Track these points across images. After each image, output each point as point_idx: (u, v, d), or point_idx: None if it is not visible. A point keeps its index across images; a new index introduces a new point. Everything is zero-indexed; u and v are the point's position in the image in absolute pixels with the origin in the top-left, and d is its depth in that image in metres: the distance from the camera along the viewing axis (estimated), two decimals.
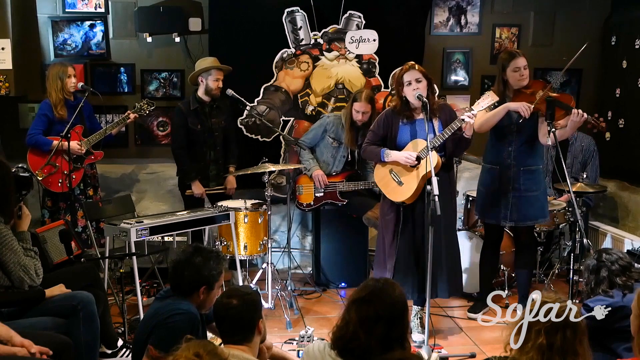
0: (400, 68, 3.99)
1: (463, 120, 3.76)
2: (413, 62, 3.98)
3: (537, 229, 4.93)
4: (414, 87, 3.86)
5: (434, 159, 3.70)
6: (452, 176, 4.23)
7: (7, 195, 3.15)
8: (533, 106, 4.05)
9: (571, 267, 4.32)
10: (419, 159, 3.88)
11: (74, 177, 4.70)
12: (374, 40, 5.43)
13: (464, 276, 4.93)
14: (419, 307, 4.22)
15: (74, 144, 4.60)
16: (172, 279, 2.89)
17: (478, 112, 3.83)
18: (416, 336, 4.09)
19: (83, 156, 4.71)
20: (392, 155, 3.98)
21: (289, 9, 5.35)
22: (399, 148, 4.01)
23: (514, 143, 4.19)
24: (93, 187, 4.96)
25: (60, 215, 4.74)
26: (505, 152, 4.23)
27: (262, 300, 4.53)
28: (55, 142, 4.61)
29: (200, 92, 4.87)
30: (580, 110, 4.02)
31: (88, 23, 5.39)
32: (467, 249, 4.92)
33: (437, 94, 5.43)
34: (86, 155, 4.72)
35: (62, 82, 4.69)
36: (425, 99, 3.81)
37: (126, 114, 4.86)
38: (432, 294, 3.95)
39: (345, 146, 4.99)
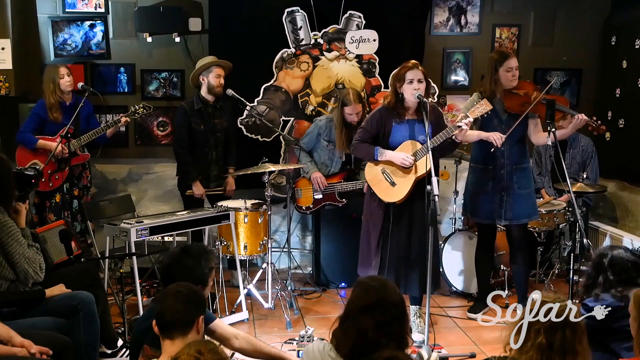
0: (402, 65, 3.98)
1: (460, 126, 3.80)
2: (417, 61, 3.99)
3: (537, 228, 4.94)
4: (415, 87, 3.86)
5: (429, 161, 3.71)
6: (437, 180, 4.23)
7: (7, 191, 3.17)
8: (528, 110, 4.11)
9: (571, 267, 4.32)
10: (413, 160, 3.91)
11: (57, 177, 4.73)
12: (374, 40, 5.43)
13: (462, 277, 4.95)
14: (417, 307, 4.23)
15: (56, 145, 4.63)
16: (165, 284, 2.87)
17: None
18: (416, 336, 4.09)
19: (68, 158, 4.68)
20: (386, 154, 3.97)
21: (289, 9, 5.35)
22: (391, 148, 4.00)
23: (506, 143, 4.20)
24: (83, 187, 4.96)
25: (45, 213, 4.79)
26: (499, 152, 4.24)
27: (262, 300, 4.57)
28: (40, 142, 4.70)
29: (204, 92, 4.87)
30: (582, 115, 4.11)
31: (88, 23, 5.39)
32: (467, 249, 4.92)
33: (436, 94, 5.50)
34: (71, 156, 4.71)
35: (55, 83, 4.72)
36: (425, 99, 3.81)
37: (119, 117, 4.88)
38: (405, 290, 4.05)
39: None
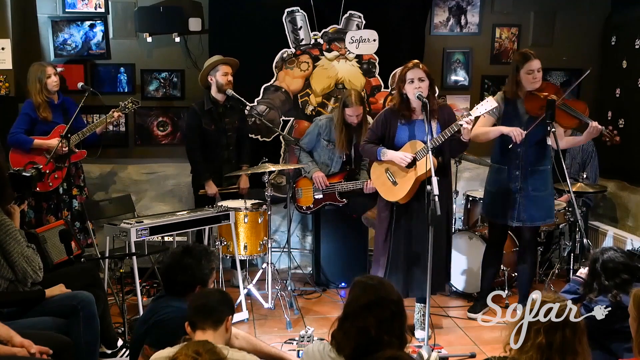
0: (404, 65, 3.98)
1: (461, 125, 3.77)
2: (418, 61, 3.99)
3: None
4: (417, 86, 3.86)
5: (429, 161, 3.70)
6: (449, 179, 4.20)
7: (3, 192, 3.17)
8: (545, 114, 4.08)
9: (571, 267, 4.33)
10: (414, 159, 3.89)
11: (56, 176, 4.70)
12: (374, 40, 5.43)
13: (462, 277, 4.95)
14: (423, 305, 4.22)
15: (54, 142, 4.59)
16: (165, 283, 2.89)
17: (479, 120, 3.85)
18: (419, 333, 4.09)
19: (65, 155, 4.63)
20: (388, 154, 3.99)
21: (289, 9, 5.35)
22: (397, 148, 4.01)
23: (523, 144, 4.18)
24: (77, 187, 4.93)
25: (43, 214, 4.74)
26: (514, 153, 4.22)
27: (262, 300, 4.57)
28: (36, 141, 4.64)
29: (213, 92, 4.88)
30: (596, 123, 4.10)
31: (88, 23, 5.38)
32: (467, 249, 4.91)
33: (436, 94, 5.49)
34: (69, 154, 4.67)
35: (41, 83, 4.65)
36: (425, 99, 3.81)
37: (110, 112, 4.87)
38: (413, 293, 4.08)
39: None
